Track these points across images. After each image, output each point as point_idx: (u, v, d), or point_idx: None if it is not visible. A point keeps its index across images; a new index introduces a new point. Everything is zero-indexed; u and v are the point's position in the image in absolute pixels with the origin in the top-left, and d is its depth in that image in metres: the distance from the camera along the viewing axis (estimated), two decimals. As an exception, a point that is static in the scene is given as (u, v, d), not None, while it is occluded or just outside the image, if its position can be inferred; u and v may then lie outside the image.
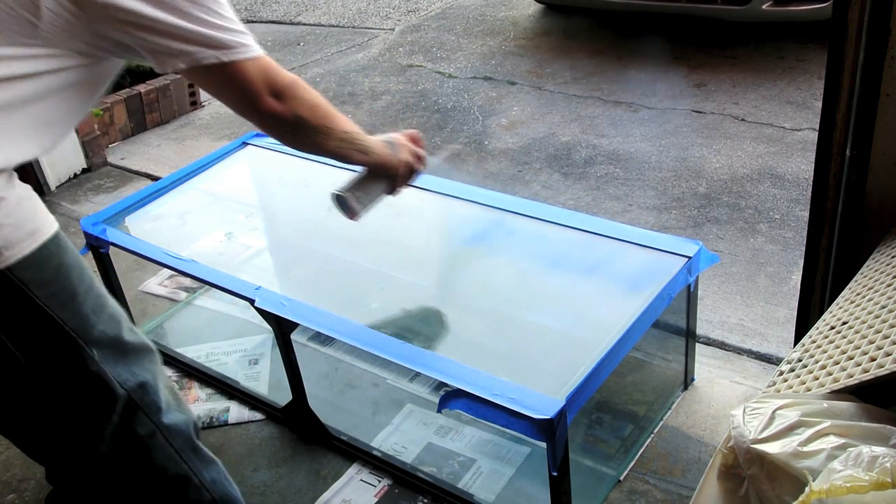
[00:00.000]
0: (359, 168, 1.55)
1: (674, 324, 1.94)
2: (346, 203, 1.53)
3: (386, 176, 1.56)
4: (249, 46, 1.23)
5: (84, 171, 3.51)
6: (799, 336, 1.86)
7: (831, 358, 1.22)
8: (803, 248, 1.77)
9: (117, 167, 3.58)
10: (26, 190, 1.16)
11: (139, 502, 1.42)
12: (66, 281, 1.18)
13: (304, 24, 5.50)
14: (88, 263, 1.29)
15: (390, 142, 1.55)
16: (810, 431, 1.01)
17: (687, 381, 2.02)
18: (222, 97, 1.27)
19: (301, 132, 1.33)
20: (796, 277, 2.43)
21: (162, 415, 1.35)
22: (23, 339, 1.16)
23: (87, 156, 3.50)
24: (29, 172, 3.15)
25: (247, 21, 6.01)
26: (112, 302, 1.28)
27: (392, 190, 1.60)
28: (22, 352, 1.17)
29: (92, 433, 1.29)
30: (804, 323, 1.84)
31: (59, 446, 1.34)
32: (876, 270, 1.43)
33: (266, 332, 2.27)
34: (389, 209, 1.90)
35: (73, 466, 1.37)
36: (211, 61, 1.18)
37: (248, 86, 1.23)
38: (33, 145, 1.16)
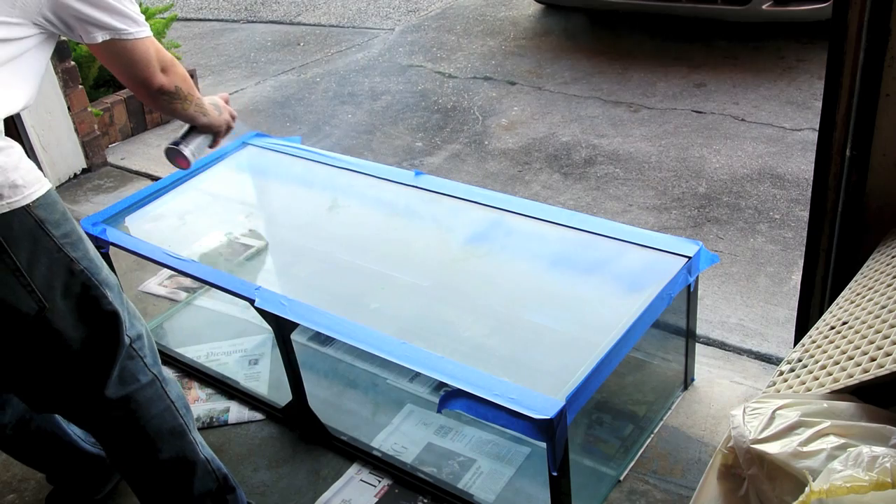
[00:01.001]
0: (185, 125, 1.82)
1: (674, 324, 1.94)
2: (181, 153, 1.81)
3: (213, 133, 1.84)
4: (147, 26, 1.44)
5: (84, 171, 3.51)
6: (799, 336, 1.86)
7: (831, 358, 1.22)
8: (803, 248, 1.77)
9: (117, 167, 3.58)
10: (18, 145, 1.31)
11: (141, 455, 1.51)
12: (72, 224, 1.33)
13: (304, 24, 5.50)
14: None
15: (215, 104, 1.82)
16: (810, 431, 1.01)
17: (687, 381, 2.02)
18: (124, 72, 1.46)
19: (175, 100, 1.58)
20: (796, 277, 2.43)
21: (159, 367, 1.49)
22: (46, 281, 1.27)
23: (87, 156, 3.50)
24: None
25: (247, 21, 6.03)
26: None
27: (214, 143, 1.89)
28: (43, 293, 1.27)
29: (100, 376, 1.39)
30: (804, 323, 1.84)
31: (67, 392, 1.41)
32: (876, 270, 1.43)
33: (266, 332, 2.27)
34: (390, 209, 1.91)
35: (80, 413, 1.47)
36: (128, 37, 1.39)
37: (149, 62, 1.46)
38: (21, 94, 1.31)
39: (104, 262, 1.40)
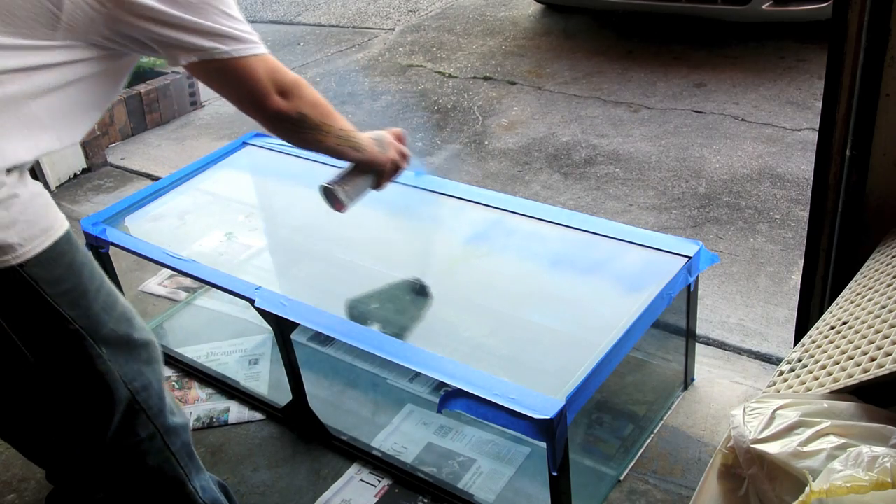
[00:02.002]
0: (346, 163, 1.62)
1: (674, 324, 1.94)
2: (335, 195, 1.60)
3: (374, 172, 1.62)
4: (257, 44, 1.26)
5: (84, 171, 3.51)
6: (799, 336, 1.86)
7: (831, 358, 1.22)
8: (803, 248, 1.77)
9: (117, 167, 3.58)
10: (38, 187, 1.16)
11: (134, 501, 1.43)
12: (77, 279, 1.19)
13: (304, 24, 5.50)
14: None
15: (379, 139, 1.61)
16: (810, 431, 1.01)
17: (687, 381, 2.02)
18: (229, 93, 1.29)
19: (303, 129, 1.37)
20: (796, 277, 2.43)
21: (164, 417, 1.35)
22: (32, 337, 1.17)
23: (87, 156, 3.50)
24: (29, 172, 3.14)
25: (247, 21, 6.00)
26: (122, 300, 1.29)
27: (378, 185, 1.66)
28: (31, 350, 1.17)
29: (94, 433, 1.29)
30: (804, 323, 1.84)
31: (60, 446, 1.34)
32: (876, 270, 1.43)
33: (266, 332, 2.27)
34: (390, 209, 1.91)
35: (73, 466, 1.38)
36: (222, 56, 1.21)
37: (256, 83, 1.26)
38: (50, 137, 1.15)
39: (114, 308, 1.25)
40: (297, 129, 1.36)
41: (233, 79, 1.26)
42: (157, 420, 1.34)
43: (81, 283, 1.19)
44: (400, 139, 1.67)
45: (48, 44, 1.09)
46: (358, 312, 1.90)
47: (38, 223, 1.13)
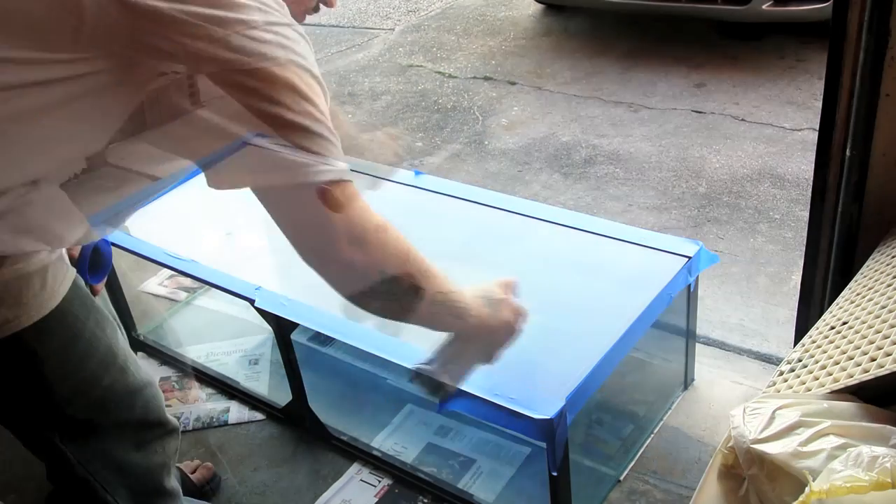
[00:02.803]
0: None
1: (674, 324, 1.94)
2: (440, 384, 1.20)
3: (483, 341, 1.19)
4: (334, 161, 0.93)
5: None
6: (799, 336, 1.86)
7: (831, 358, 1.22)
8: (803, 248, 1.77)
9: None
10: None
11: None
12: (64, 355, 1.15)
13: (304, 24, 5.46)
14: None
15: (487, 297, 1.18)
16: (810, 431, 1.01)
17: (687, 381, 2.02)
18: (284, 219, 1.00)
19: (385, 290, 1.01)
20: (796, 277, 2.43)
21: None
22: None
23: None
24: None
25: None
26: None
27: (490, 358, 1.21)
28: None
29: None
30: (804, 323, 1.84)
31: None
32: (876, 270, 1.43)
33: (266, 332, 2.27)
34: (389, 209, 1.88)
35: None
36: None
37: (325, 219, 0.94)
38: (71, 148, 1.07)
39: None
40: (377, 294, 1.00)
41: (293, 203, 0.98)
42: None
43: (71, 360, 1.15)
44: (510, 289, 1.24)
45: (69, 56, 0.96)
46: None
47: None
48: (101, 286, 1.44)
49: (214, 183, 0.97)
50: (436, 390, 1.24)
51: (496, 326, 1.17)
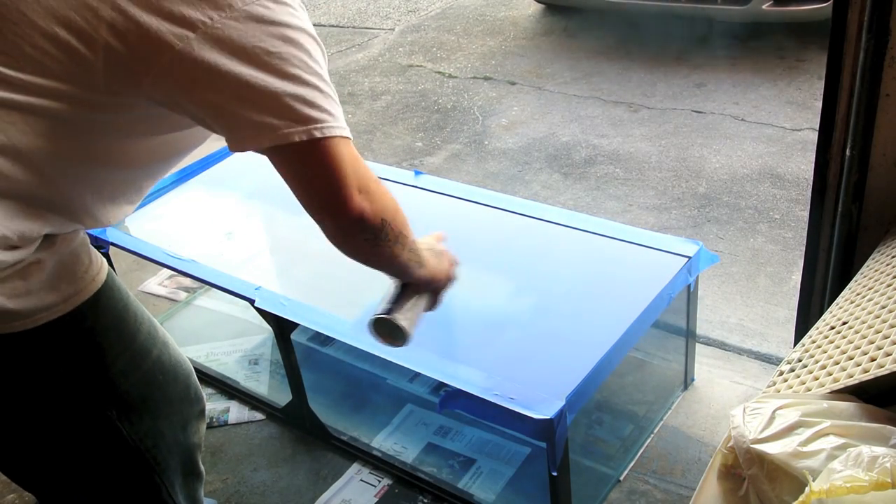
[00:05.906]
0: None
1: (674, 324, 1.94)
2: (398, 327, 1.24)
3: (430, 290, 1.31)
4: (340, 119, 0.97)
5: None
6: (799, 336, 1.86)
7: (831, 358, 1.22)
8: (803, 248, 1.77)
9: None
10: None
11: None
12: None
13: (304, 24, 5.49)
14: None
15: (433, 250, 1.30)
16: (810, 431, 1.01)
17: (687, 381, 2.02)
18: (298, 184, 1.00)
19: (381, 242, 1.06)
20: (796, 277, 2.43)
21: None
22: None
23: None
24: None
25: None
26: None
27: (433, 305, 1.33)
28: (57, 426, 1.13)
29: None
30: (804, 323, 1.84)
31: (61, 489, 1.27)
32: (876, 270, 1.43)
33: (266, 332, 2.27)
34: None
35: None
36: (300, 138, 0.93)
37: (339, 172, 0.97)
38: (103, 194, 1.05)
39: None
40: (376, 240, 1.05)
41: (308, 165, 0.97)
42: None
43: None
44: (441, 240, 1.39)
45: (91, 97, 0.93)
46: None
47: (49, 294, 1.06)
48: None
49: (236, 147, 0.97)
50: (393, 338, 1.28)
51: (442, 276, 1.30)
